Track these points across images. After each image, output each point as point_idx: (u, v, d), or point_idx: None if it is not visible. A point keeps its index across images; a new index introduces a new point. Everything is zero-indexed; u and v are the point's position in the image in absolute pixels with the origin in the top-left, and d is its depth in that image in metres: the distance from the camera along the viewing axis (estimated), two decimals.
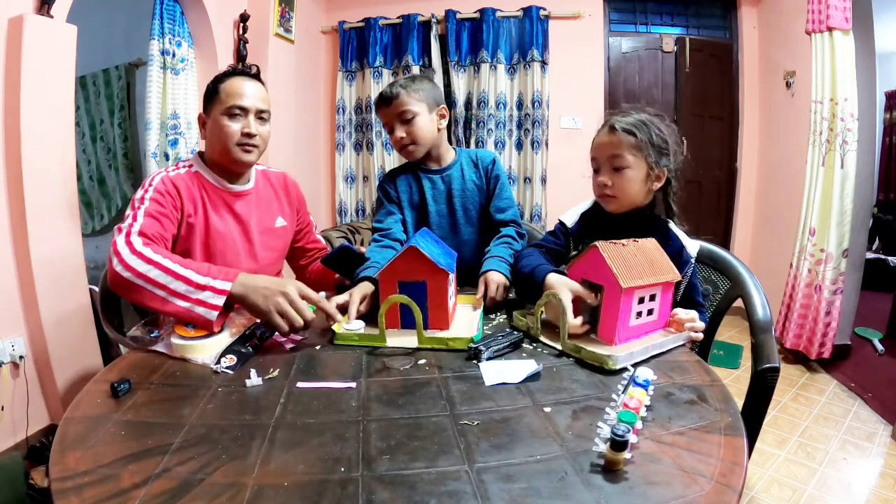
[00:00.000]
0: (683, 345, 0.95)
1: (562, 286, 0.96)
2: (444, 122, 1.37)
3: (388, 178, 1.44)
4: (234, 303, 0.99)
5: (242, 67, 1.28)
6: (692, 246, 1.09)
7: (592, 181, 1.13)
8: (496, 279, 1.19)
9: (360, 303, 1.07)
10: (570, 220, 1.20)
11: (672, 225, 1.11)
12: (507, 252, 1.28)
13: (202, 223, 1.22)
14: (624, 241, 0.94)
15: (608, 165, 1.07)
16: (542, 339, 0.97)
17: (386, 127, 1.36)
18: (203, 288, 0.95)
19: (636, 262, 0.91)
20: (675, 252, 1.04)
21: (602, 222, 1.13)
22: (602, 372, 0.84)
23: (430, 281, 0.98)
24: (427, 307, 0.99)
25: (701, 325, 0.97)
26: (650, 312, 0.94)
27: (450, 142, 1.58)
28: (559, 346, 0.92)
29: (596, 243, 0.92)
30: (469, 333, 0.96)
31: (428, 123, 1.32)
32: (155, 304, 0.97)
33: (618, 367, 0.83)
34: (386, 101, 1.31)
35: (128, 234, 1.03)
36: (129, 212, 1.11)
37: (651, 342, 0.91)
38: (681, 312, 0.97)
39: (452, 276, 1.05)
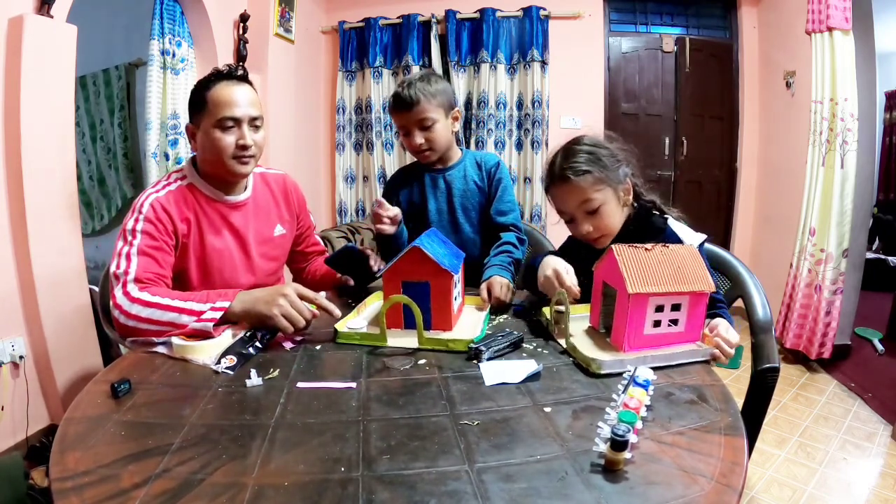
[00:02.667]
0: (707, 361, 0.88)
1: (550, 263, 1.02)
2: (458, 126, 1.38)
3: (389, 187, 1.48)
4: (237, 319, 1.01)
5: (228, 68, 1.17)
6: (694, 238, 1.04)
7: (569, 229, 1.12)
8: (499, 281, 1.19)
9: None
10: None
11: (671, 221, 1.09)
12: (507, 260, 1.29)
13: (197, 241, 1.18)
14: (649, 244, 0.89)
15: (581, 212, 1.06)
16: (556, 337, 0.98)
17: (401, 129, 1.35)
18: (204, 312, 0.98)
19: (657, 268, 0.86)
20: None
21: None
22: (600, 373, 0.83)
23: (434, 282, 0.98)
24: (430, 308, 0.99)
25: (730, 351, 0.89)
26: (674, 323, 0.87)
27: None
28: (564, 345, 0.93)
29: (613, 245, 0.89)
30: (472, 335, 0.96)
31: (445, 129, 1.33)
32: (166, 336, 0.98)
33: (602, 371, 0.82)
34: (406, 107, 1.28)
35: (124, 284, 1.02)
36: (121, 244, 1.08)
37: (659, 353, 0.86)
38: (722, 329, 0.90)
39: (458, 277, 1.05)
